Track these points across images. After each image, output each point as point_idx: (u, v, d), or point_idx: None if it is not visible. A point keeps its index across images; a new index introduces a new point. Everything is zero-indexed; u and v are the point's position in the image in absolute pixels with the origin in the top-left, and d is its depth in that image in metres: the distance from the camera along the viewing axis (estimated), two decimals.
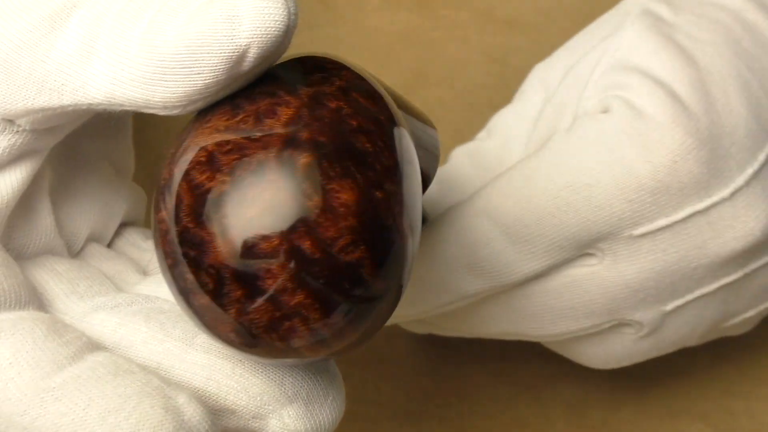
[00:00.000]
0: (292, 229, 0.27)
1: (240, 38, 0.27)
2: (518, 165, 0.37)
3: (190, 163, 0.28)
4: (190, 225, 0.27)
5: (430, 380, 0.43)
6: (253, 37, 0.27)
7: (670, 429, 0.42)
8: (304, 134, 0.27)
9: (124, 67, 0.28)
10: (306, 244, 0.27)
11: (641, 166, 0.36)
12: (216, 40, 0.27)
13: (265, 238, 0.27)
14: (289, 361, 0.28)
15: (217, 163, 0.27)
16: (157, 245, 0.29)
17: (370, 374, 0.43)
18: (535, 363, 0.43)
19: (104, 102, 0.29)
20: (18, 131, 0.30)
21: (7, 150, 0.30)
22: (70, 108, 0.29)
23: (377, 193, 0.28)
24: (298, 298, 0.27)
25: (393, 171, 0.28)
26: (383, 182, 0.28)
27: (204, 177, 0.27)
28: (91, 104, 0.29)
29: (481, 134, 0.42)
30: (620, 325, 0.37)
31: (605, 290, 0.37)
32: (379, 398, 0.42)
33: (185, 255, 0.28)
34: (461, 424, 0.42)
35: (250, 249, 0.27)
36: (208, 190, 0.27)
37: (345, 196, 0.27)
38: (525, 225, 0.36)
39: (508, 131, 0.41)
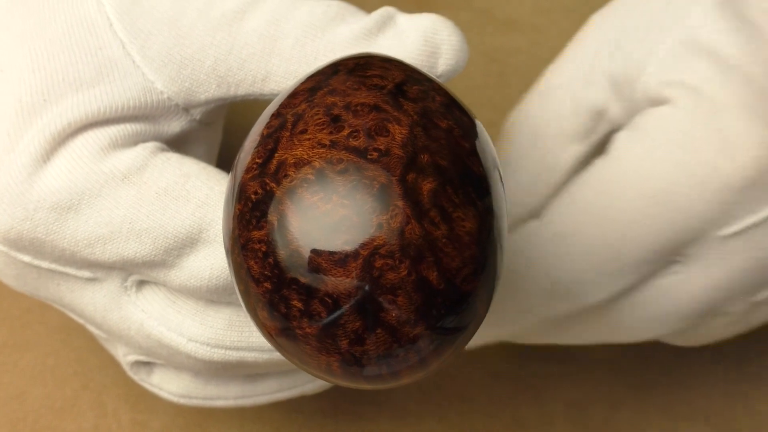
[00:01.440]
0: (420, 260, 0.25)
1: (436, 71, 0.32)
2: (586, 178, 0.36)
3: (294, 180, 0.26)
4: (302, 250, 0.26)
5: (430, 380, 0.43)
6: (446, 72, 0.32)
7: (670, 429, 0.42)
8: (424, 157, 0.26)
9: (309, 68, 0.32)
10: (432, 276, 0.26)
11: (723, 164, 0.33)
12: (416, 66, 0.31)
13: (393, 268, 0.25)
14: (380, 381, 0.27)
15: (331, 184, 0.25)
16: (243, 266, 0.27)
17: None
18: (535, 363, 0.43)
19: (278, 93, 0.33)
20: (191, 120, 0.34)
21: (177, 133, 0.34)
22: (240, 98, 0.33)
23: (490, 218, 0.27)
24: (418, 329, 0.26)
25: (498, 194, 0.27)
26: (492, 206, 0.27)
27: (316, 198, 0.25)
28: (263, 94, 0.33)
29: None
30: (710, 316, 0.36)
31: (696, 295, 0.35)
32: (379, 398, 0.42)
33: (293, 281, 0.26)
34: (461, 424, 0.42)
35: (376, 280, 0.25)
36: (324, 213, 0.25)
37: (468, 224, 0.26)
38: (606, 245, 0.35)
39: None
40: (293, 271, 0.26)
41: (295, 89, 0.28)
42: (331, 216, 0.25)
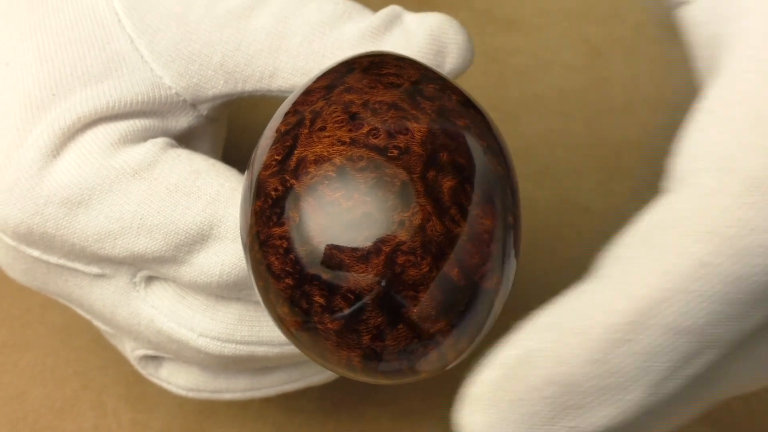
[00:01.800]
0: (442, 257, 0.26)
1: (443, 69, 0.32)
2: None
3: (315, 177, 0.26)
4: (324, 246, 0.26)
5: (430, 380, 0.43)
6: (452, 71, 0.32)
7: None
8: (444, 155, 0.26)
9: (316, 65, 0.32)
10: (454, 272, 0.26)
11: None
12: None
13: (415, 265, 0.25)
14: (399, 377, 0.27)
15: (353, 181, 0.26)
16: (264, 262, 0.27)
17: None
18: None
19: (288, 91, 0.33)
20: (198, 116, 0.34)
21: (185, 128, 0.34)
22: (247, 94, 0.34)
23: (510, 218, 0.27)
24: (439, 325, 0.26)
25: (516, 192, 0.27)
26: (512, 207, 0.27)
27: (338, 195, 0.26)
28: (270, 91, 0.33)
29: None
30: None
31: None
32: (379, 398, 0.42)
33: (315, 277, 0.26)
34: None
35: (398, 276, 0.26)
36: (345, 210, 0.26)
37: (487, 222, 0.26)
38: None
39: None
40: (315, 267, 0.26)
41: (310, 86, 0.28)
42: (353, 213, 0.25)
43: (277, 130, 0.27)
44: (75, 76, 0.32)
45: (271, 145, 0.27)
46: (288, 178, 0.26)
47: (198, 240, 0.32)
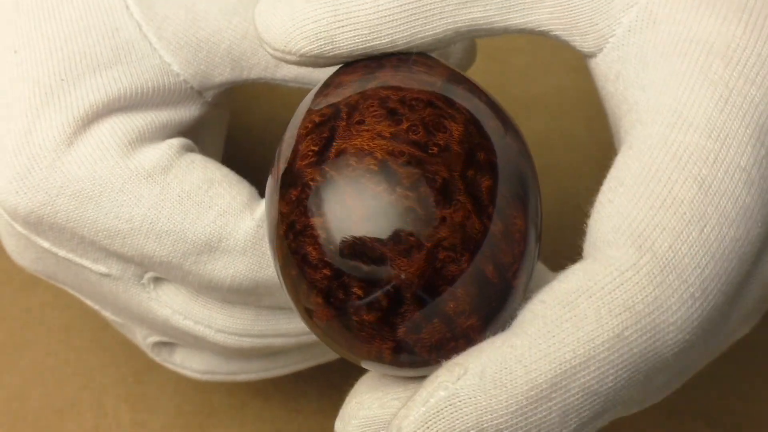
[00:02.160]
0: (480, 254, 0.26)
1: None
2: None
3: (357, 170, 0.26)
4: (366, 239, 0.26)
5: None
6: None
7: (670, 429, 0.42)
8: (481, 155, 0.27)
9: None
10: (489, 269, 0.26)
11: None
12: None
13: (455, 261, 0.26)
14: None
15: (395, 175, 0.26)
16: (299, 251, 0.27)
17: None
18: None
19: (292, 81, 0.34)
20: (204, 103, 0.34)
21: (196, 118, 0.34)
22: (252, 81, 0.34)
23: (537, 218, 0.28)
24: (471, 321, 0.27)
25: (540, 195, 0.28)
26: (538, 209, 0.28)
27: (380, 188, 0.26)
28: (274, 79, 0.34)
29: None
30: None
31: None
32: None
33: (355, 269, 0.26)
34: None
35: (438, 271, 0.26)
36: (388, 204, 0.26)
37: (519, 222, 0.27)
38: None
39: None
40: (355, 259, 0.26)
41: (340, 79, 0.29)
42: (396, 207, 0.26)
43: (311, 121, 0.28)
44: (84, 63, 0.32)
45: (306, 136, 0.27)
46: (327, 169, 0.26)
47: (205, 250, 0.32)
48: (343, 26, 0.29)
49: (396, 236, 0.26)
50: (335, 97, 0.28)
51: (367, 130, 0.27)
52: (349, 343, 0.27)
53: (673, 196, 0.27)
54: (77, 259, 0.33)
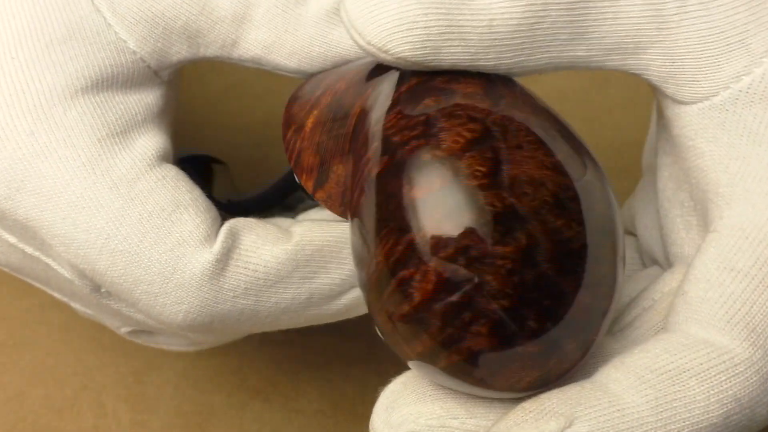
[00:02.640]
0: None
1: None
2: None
3: (535, 200, 0.26)
4: (551, 272, 0.26)
5: None
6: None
7: None
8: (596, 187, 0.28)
9: (285, 42, 0.32)
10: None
11: None
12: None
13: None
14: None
15: (568, 211, 0.26)
16: (472, 280, 0.26)
17: (370, 375, 0.43)
18: None
19: (249, 61, 0.33)
20: (160, 83, 0.33)
21: (159, 103, 0.33)
22: (208, 59, 0.33)
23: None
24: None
25: None
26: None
27: (560, 223, 0.26)
28: (230, 58, 0.33)
29: None
30: None
31: None
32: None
33: (537, 302, 0.26)
34: None
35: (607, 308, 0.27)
36: (568, 239, 0.26)
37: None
38: None
39: None
40: (539, 292, 0.26)
41: (452, 87, 0.28)
42: (574, 243, 0.26)
43: (462, 136, 0.27)
44: (34, 38, 0.31)
45: (467, 154, 0.26)
46: (506, 195, 0.26)
47: (158, 281, 0.31)
48: (452, 40, 0.28)
49: (575, 271, 0.26)
50: (470, 110, 0.27)
51: (530, 158, 0.26)
52: (499, 375, 0.27)
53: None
54: (44, 258, 0.32)
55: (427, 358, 0.27)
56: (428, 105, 0.27)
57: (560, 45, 0.29)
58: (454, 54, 0.28)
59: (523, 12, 0.28)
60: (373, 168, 0.27)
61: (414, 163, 0.27)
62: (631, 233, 0.36)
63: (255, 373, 0.42)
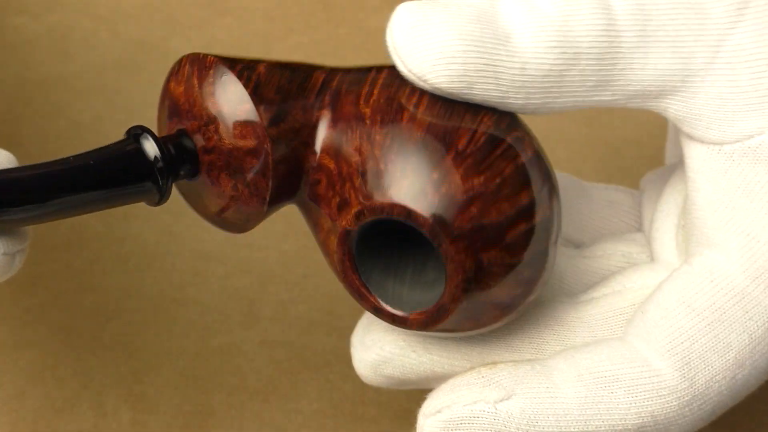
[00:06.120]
0: None
1: None
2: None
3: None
4: None
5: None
6: None
7: None
8: None
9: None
10: None
11: None
12: None
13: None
14: None
15: None
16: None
17: None
18: None
19: None
20: None
21: None
22: None
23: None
24: None
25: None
26: None
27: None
28: None
29: None
30: None
31: None
32: (379, 398, 0.42)
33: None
34: None
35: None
36: None
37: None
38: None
39: None
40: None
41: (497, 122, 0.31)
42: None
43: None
44: None
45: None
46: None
47: None
48: (486, 77, 0.30)
49: None
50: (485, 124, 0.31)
51: None
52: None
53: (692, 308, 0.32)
54: None
55: None
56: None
57: (587, 90, 0.30)
58: (486, 90, 0.30)
59: (556, 59, 0.30)
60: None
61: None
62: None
63: (255, 373, 0.42)
